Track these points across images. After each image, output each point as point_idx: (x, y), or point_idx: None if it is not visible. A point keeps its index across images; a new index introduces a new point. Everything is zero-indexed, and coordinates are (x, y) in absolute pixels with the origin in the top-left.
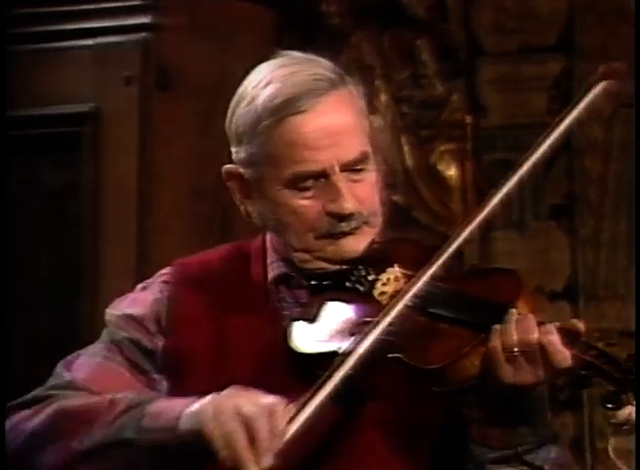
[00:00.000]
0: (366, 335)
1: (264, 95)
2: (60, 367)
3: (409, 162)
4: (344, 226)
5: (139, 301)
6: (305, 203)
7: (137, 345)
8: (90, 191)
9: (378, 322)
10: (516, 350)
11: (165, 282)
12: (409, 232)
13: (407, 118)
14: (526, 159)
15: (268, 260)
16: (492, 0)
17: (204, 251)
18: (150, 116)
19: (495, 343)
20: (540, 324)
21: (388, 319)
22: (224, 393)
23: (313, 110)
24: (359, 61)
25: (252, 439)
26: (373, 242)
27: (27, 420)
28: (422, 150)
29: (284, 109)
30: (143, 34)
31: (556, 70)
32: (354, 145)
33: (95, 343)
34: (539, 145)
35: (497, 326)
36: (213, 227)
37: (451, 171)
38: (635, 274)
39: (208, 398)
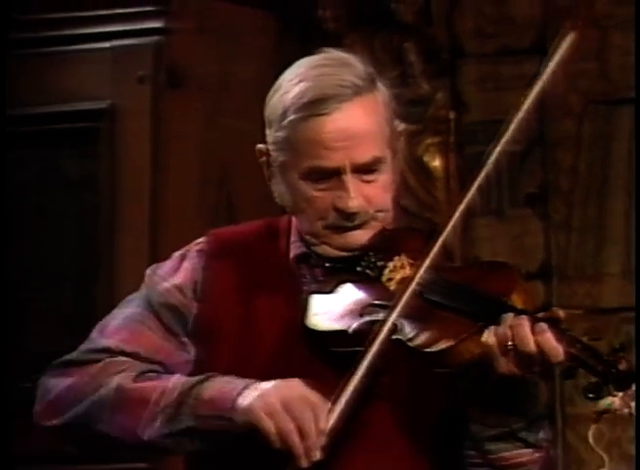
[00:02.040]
0: (383, 323)
1: (295, 91)
2: (95, 332)
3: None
4: (348, 222)
5: (180, 270)
6: (318, 194)
7: (174, 310)
8: (107, 181)
9: (392, 309)
10: (511, 350)
11: (200, 251)
12: (397, 218)
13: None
14: (513, 117)
15: (292, 239)
16: (473, 6)
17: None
18: (161, 111)
19: (490, 340)
20: (533, 323)
21: (400, 306)
22: (271, 386)
23: (334, 114)
24: None
25: (304, 436)
26: (383, 230)
27: (85, 386)
28: (409, 143)
29: (309, 109)
30: (155, 37)
31: (531, 71)
32: (368, 150)
33: (129, 301)
34: (525, 98)
35: (492, 327)
36: (219, 214)
37: (436, 163)
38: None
39: (258, 391)
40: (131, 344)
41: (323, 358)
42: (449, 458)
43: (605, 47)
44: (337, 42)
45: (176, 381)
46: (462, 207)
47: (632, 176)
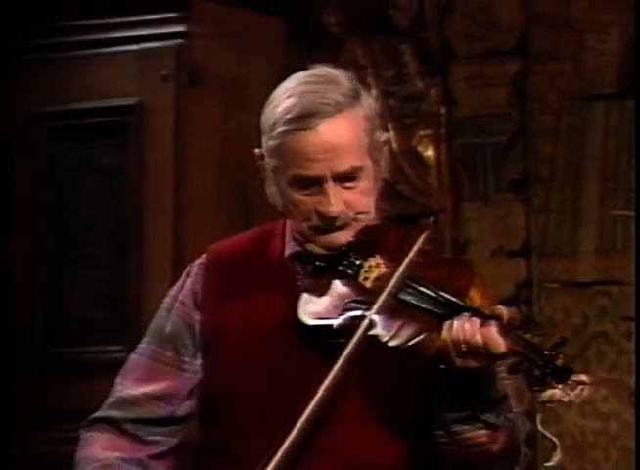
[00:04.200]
0: (361, 319)
1: (283, 105)
2: (118, 376)
3: (395, 145)
4: (329, 225)
5: (184, 286)
6: (303, 198)
7: (184, 325)
8: (135, 169)
9: (370, 306)
10: (463, 346)
11: (201, 264)
12: (395, 202)
13: (393, 109)
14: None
15: (286, 239)
16: (463, 13)
17: (225, 230)
18: (183, 107)
19: (446, 337)
20: (482, 321)
21: (377, 304)
22: None
23: (316, 129)
24: (354, 62)
25: None
26: (364, 228)
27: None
28: (405, 135)
29: (294, 123)
30: (178, 41)
31: (514, 70)
32: (347, 160)
33: (149, 334)
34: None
35: (448, 323)
36: (236, 201)
37: (429, 152)
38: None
39: None
40: (143, 382)
41: (314, 348)
42: (420, 438)
43: (580, 49)
44: (339, 45)
45: None
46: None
47: (604, 165)
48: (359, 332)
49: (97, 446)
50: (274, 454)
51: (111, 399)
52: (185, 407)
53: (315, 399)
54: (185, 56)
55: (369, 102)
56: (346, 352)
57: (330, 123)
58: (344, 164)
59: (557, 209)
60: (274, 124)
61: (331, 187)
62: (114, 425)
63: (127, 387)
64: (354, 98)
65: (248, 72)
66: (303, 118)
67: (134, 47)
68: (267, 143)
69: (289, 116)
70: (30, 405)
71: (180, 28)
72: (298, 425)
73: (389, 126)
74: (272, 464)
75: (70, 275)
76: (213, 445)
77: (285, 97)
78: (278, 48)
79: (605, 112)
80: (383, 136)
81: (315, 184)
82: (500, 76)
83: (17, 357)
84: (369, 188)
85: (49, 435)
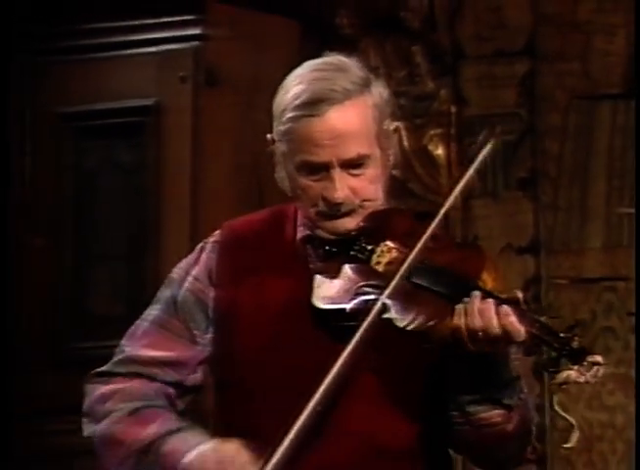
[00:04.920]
0: (374, 302)
1: (293, 92)
2: (124, 340)
3: (406, 143)
4: (335, 210)
5: (198, 262)
6: (310, 184)
7: (196, 299)
8: (153, 168)
9: (382, 290)
10: (480, 334)
11: (216, 242)
12: (406, 200)
13: (404, 109)
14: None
15: (298, 223)
16: (472, 14)
17: (249, 213)
18: (200, 107)
19: (459, 322)
20: (498, 306)
21: (389, 289)
22: (209, 448)
23: (324, 115)
24: (366, 62)
25: None
26: (372, 213)
27: (99, 408)
28: (416, 134)
29: (302, 109)
30: (195, 43)
31: (522, 71)
32: (353, 147)
33: (157, 301)
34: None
35: (460, 306)
36: (252, 196)
37: (439, 151)
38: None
39: (199, 452)
40: (153, 348)
41: (327, 331)
42: (435, 420)
43: (587, 49)
44: (352, 46)
45: (153, 429)
46: (447, 204)
47: (611, 163)
48: (372, 315)
49: (104, 389)
50: (287, 434)
51: (116, 358)
52: (192, 379)
53: (327, 381)
54: (202, 57)
55: (380, 91)
56: (359, 334)
57: (338, 110)
58: (351, 151)
59: (564, 206)
60: (284, 110)
61: (337, 173)
62: (117, 376)
63: (136, 349)
64: (364, 86)
65: (262, 73)
66: (312, 105)
67: (153, 49)
68: (277, 128)
69: (298, 101)
70: (49, 399)
71: (197, 31)
72: (310, 406)
73: (400, 126)
74: (285, 444)
75: (90, 271)
76: (228, 424)
77: (295, 83)
78: (292, 49)
79: (611, 111)
80: (392, 125)
81: (322, 170)
82: (509, 76)
83: (36, 352)
84: (376, 176)
85: (67, 427)
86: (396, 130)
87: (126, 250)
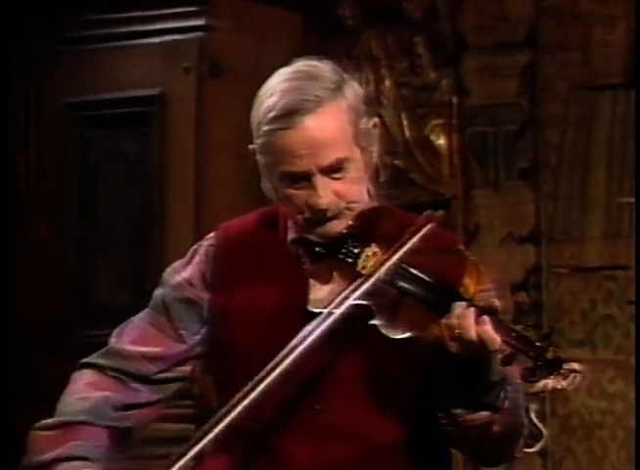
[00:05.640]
0: (344, 300)
1: (266, 105)
2: (113, 336)
3: (408, 133)
4: (321, 216)
5: (190, 264)
6: (294, 193)
7: (185, 302)
8: (157, 157)
9: (354, 290)
10: (459, 340)
11: (210, 245)
12: (407, 190)
13: (406, 99)
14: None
15: (288, 225)
16: (474, 5)
17: (242, 214)
18: (204, 97)
19: (441, 330)
20: (477, 315)
21: (361, 290)
22: None
23: (298, 126)
24: (368, 53)
25: None
26: (360, 213)
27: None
28: (418, 124)
29: (276, 122)
30: (199, 34)
31: (524, 61)
32: (330, 153)
33: (150, 301)
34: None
35: (444, 319)
36: (254, 187)
37: (441, 141)
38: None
39: None
40: (138, 344)
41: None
42: (424, 420)
43: (588, 40)
44: (354, 37)
45: (60, 450)
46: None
47: (611, 153)
48: (342, 310)
49: (81, 383)
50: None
51: (102, 350)
52: (171, 375)
53: (291, 358)
54: (205, 48)
55: (354, 91)
56: (321, 328)
57: (311, 119)
58: (329, 157)
59: (565, 195)
60: (259, 123)
61: (319, 180)
62: (99, 370)
63: (121, 343)
64: (336, 90)
65: (265, 64)
66: (285, 117)
67: (157, 40)
68: (256, 141)
69: (271, 115)
70: (56, 387)
71: (201, 22)
72: (271, 373)
73: (402, 116)
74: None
75: (96, 260)
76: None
77: (267, 96)
78: (295, 40)
79: (612, 101)
80: (371, 122)
81: (303, 179)
82: (510, 67)
83: (41, 340)
84: (359, 177)
85: None
86: (375, 126)
87: (131, 239)
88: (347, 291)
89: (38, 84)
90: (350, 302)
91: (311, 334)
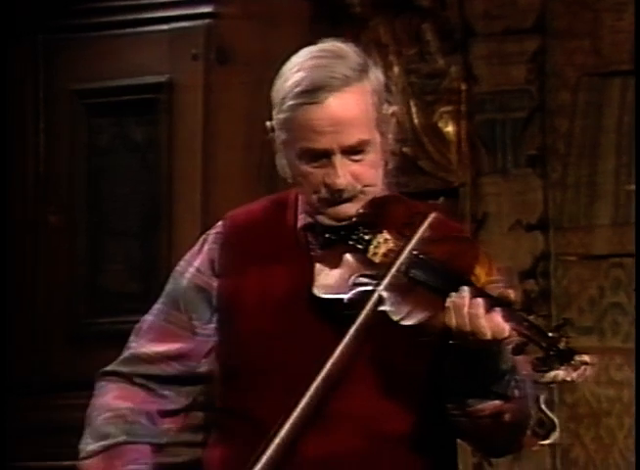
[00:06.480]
0: (371, 293)
1: (292, 80)
2: (132, 334)
3: (416, 121)
4: (337, 196)
5: (200, 253)
6: (311, 171)
7: (198, 290)
8: (165, 145)
9: (378, 281)
10: (468, 329)
11: (218, 233)
12: (416, 178)
13: (415, 86)
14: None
15: (299, 210)
16: None
17: (250, 202)
18: (212, 84)
19: (450, 319)
20: (486, 304)
21: (386, 280)
22: None
23: (324, 103)
24: (377, 41)
25: None
26: (372, 200)
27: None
28: (426, 111)
29: (302, 97)
30: (206, 21)
31: (532, 48)
32: (354, 134)
33: (163, 295)
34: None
35: (450, 302)
36: (261, 175)
37: (449, 128)
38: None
39: None
40: (157, 343)
41: (327, 319)
42: (433, 409)
43: (597, 26)
44: (363, 24)
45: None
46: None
47: (620, 140)
48: (368, 306)
49: (110, 396)
50: (287, 420)
51: (123, 356)
52: (199, 369)
53: (327, 368)
54: (213, 35)
55: (377, 76)
56: (356, 324)
57: (338, 97)
58: (352, 138)
59: (573, 183)
60: (283, 98)
61: (338, 160)
62: (125, 378)
63: (141, 345)
64: (362, 72)
65: (273, 51)
66: (312, 92)
67: (165, 27)
68: (277, 116)
69: (298, 89)
70: (66, 373)
71: (209, 9)
72: (310, 392)
73: (411, 103)
74: (285, 429)
75: (104, 247)
76: (231, 410)
77: (294, 71)
78: (303, 27)
79: (621, 88)
80: (390, 109)
81: (323, 157)
82: (519, 54)
83: (52, 327)
84: (377, 161)
85: (83, 401)
86: (394, 114)
87: (139, 226)
88: (367, 281)
89: (46, 72)
90: (378, 293)
91: (346, 335)
